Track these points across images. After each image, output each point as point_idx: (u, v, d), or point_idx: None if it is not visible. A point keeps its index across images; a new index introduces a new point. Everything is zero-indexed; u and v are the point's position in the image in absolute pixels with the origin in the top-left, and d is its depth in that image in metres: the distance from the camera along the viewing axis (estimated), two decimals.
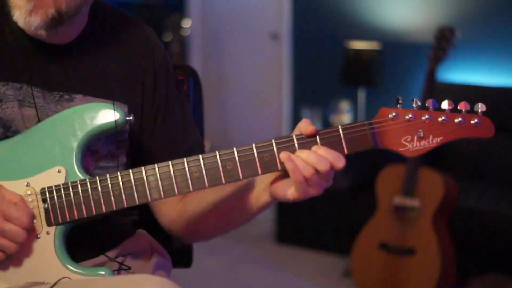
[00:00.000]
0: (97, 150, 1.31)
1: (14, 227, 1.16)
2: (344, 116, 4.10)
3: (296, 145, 1.16)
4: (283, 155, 1.14)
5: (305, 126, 1.15)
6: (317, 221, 3.84)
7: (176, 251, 1.65)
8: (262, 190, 1.24)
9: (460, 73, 3.87)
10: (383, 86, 4.01)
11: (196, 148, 1.40)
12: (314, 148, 1.15)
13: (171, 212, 1.39)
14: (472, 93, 3.67)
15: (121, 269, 1.34)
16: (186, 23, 4.27)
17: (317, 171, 1.13)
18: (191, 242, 1.54)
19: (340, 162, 1.13)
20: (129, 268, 1.35)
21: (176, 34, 4.07)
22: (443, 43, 3.15)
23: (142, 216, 1.54)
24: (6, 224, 1.16)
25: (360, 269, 3.21)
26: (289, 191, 1.18)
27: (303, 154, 1.14)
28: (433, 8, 4.04)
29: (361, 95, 4.06)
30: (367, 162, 3.64)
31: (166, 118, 1.38)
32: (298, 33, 4.53)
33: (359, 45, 4.00)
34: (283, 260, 3.79)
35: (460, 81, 3.85)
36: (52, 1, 1.20)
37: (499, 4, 3.88)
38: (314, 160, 1.13)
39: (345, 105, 4.11)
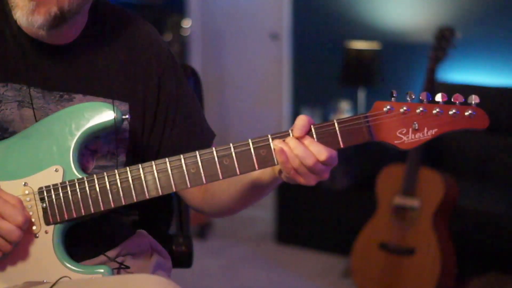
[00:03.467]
0: (97, 150, 1.31)
1: (8, 224, 1.16)
2: (344, 116, 4.09)
3: None
4: (276, 146, 1.15)
5: (297, 127, 1.15)
6: (317, 221, 3.84)
7: (176, 251, 1.65)
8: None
9: (460, 73, 3.87)
10: (383, 86, 4.01)
11: (208, 141, 1.41)
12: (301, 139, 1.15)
13: (196, 193, 1.39)
14: (472, 93, 3.62)
15: (121, 268, 1.34)
16: (186, 23, 4.27)
17: (304, 164, 1.14)
18: (220, 216, 1.53)
19: (322, 155, 1.13)
20: (128, 267, 1.35)
21: (176, 34, 4.06)
22: (443, 43, 3.14)
23: (142, 216, 1.54)
24: (1, 222, 1.16)
25: (360, 269, 3.21)
26: (282, 173, 1.18)
27: (291, 142, 1.14)
28: (433, 8, 4.04)
29: (361, 95, 4.06)
30: (367, 162, 3.64)
31: (179, 115, 1.38)
32: (298, 33, 4.53)
33: (359, 45, 4.00)
34: (283, 260, 3.79)
35: (460, 81, 3.85)
36: None
37: (499, 4, 3.87)
38: (300, 153, 1.13)
39: (345, 105, 4.11)
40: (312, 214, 3.84)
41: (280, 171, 1.19)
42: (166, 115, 1.37)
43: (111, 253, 1.35)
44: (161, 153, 1.37)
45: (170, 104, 1.37)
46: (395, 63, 4.11)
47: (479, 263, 3.26)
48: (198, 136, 1.40)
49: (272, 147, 1.16)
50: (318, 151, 1.13)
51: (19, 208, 1.18)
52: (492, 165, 3.60)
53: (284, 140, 1.15)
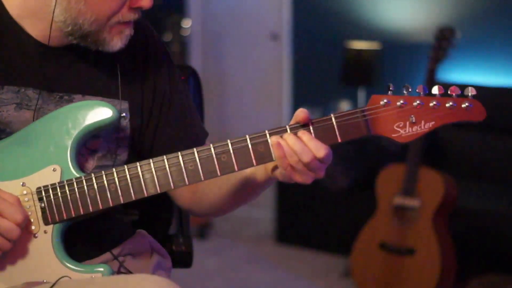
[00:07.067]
0: (96, 149, 1.31)
1: (8, 223, 1.16)
2: None
3: None
4: (273, 140, 1.14)
5: (298, 112, 1.16)
6: (317, 221, 3.84)
7: (176, 251, 1.65)
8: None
9: (460, 73, 3.87)
10: (383, 86, 4.00)
11: (201, 139, 1.40)
12: (299, 133, 1.15)
13: (185, 194, 1.39)
14: None
15: (121, 270, 1.34)
16: (186, 23, 4.27)
17: (301, 161, 1.13)
18: (209, 216, 1.52)
19: (320, 152, 1.13)
20: (131, 272, 1.35)
21: (176, 34, 4.06)
22: (443, 43, 3.14)
23: (142, 216, 1.54)
24: (0, 220, 1.16)
25: (360, 269, 3.21)
26: (277, 170, 1.18)
27: (289, 138, 1.14)
28: (433, 8, 4.04)
29: (361, 95, 4.06)
30: (367, 162, 3.64)
31: (172, 113, 1.38)
32: (298, 33, 4.53)
33: (359, 45, 4.00)
34: (283, 260, 3.79)
35: (460, 81, 3.84)
36: None
37: (499, 4, 3.87)
38: (298, 150, 1.13)
39: (345, 105, 4.11)
40: (312, 214, 3.84)
41: (273, 169, 1.19)
42: (160, 113, 1.37)
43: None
44: (154, 152, 1.37)
45: (164, 103, 1.38)
46: (395, 63, 4.11)
47: (479, 263, 3.26)
48: (191, 135, 1.40)
49: (269, 143, 1.16)
50: (316, 148, 1.13)
51: (18, 206, 1.18)
52: (492, 165, 3.60)
53: (282, 136, 1.15)
